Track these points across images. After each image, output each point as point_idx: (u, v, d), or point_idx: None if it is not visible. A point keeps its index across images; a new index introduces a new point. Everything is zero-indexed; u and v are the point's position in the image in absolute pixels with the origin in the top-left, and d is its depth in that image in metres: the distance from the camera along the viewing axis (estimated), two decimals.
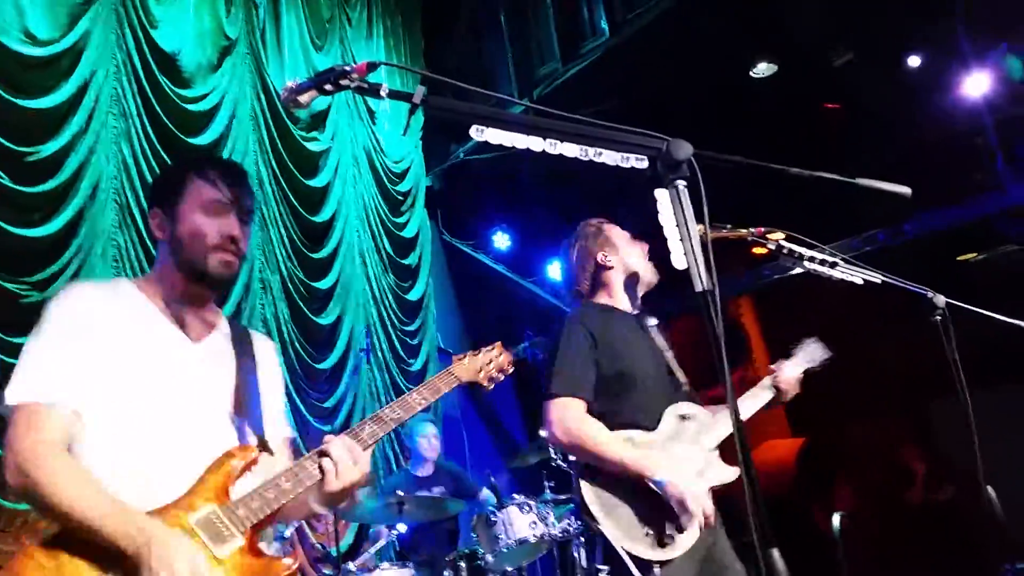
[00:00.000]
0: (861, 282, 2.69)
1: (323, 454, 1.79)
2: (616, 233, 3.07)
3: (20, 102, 4.84)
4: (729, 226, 2.60)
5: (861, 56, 6.30)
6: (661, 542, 2.56)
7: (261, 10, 6.63)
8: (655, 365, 2.89)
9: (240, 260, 1.94)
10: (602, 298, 3.02)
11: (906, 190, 1.60)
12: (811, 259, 2.70)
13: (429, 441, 5.59)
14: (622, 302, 3.01)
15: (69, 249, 4.96)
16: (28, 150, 4.87)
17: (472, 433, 7.55)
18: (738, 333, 8.03)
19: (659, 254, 2.94)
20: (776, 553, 1.30)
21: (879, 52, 6.24)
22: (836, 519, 6.05)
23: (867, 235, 6.40)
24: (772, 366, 3.10)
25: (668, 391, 2.86)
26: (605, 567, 2.56)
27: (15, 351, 4.26)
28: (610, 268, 3.02)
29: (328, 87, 1.44)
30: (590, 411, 2.73)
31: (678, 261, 1.39)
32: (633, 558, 2.52)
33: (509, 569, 4.55)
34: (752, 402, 3.00)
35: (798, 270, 2.78)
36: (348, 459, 1.78)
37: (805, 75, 6.61)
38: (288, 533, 4.58)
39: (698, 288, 1.37)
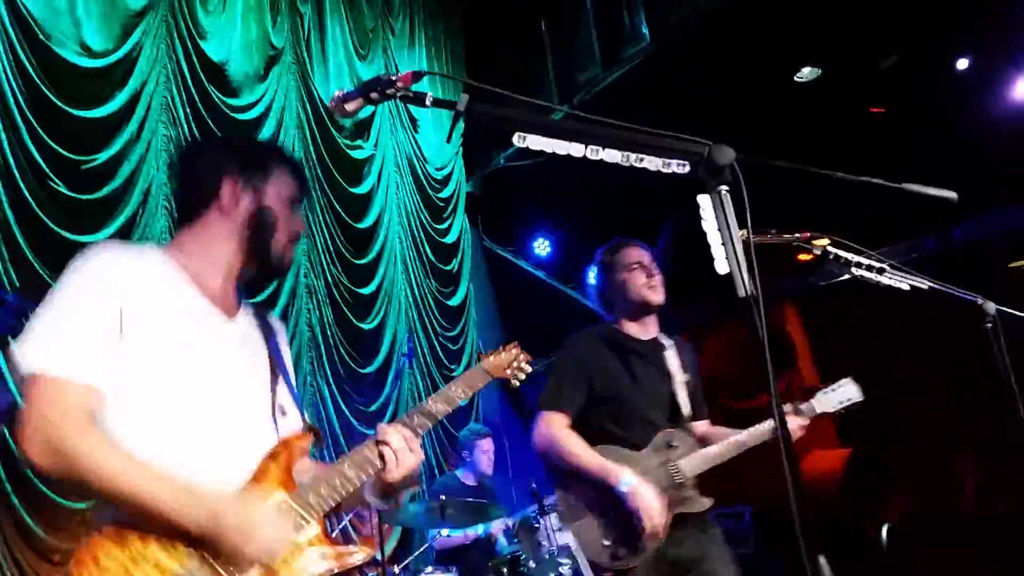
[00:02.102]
0: (908, 288, 2.65)
1: (382, 443, 1.79)
2: (621, 259, 3.12)
3: (75, 112, 4.99)
4: (774, 231, 2.58)
5: (908, 59, 6.19)
6: (616, 556, 2.75)
7: (307, 20, 6.75)
8: (654, 392, 3.01)
9: None
10: (612, 323, 3.15)
11: (952, 195, 1.57)
12: (858, 265, 2.66)
13: (489, 456, 5.62)
14: (629, 328, 3.11)
15: None
16: (83, 158, 5.01)
17: (513, 438, 7.56)
18: (783, 341, 7.91)
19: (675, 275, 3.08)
20: (823, 560, 1.28)
21: (927, 55, 6.12)
22: (885, 530, 5.93)
23: (914, 242, 6.27)
24: (800, 405, 3.09)
25: (663, 418, 2.99)
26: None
27: None
28: (611, 295, 3.14)
29: (374, 96, 1.46)
30: (579, 425, 2.92)
31: (720, 266, 1.39)
32: (592, 564, 2.76)
33: None
34: (750, 437, 2.97)
35: (845, 277, 2.74)
36: (405, 447, 1.79)
37: (851, 79, 6.51)
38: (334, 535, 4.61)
39: (741, 294, 1.36)
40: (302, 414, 1.94)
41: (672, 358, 3.08)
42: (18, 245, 4.65)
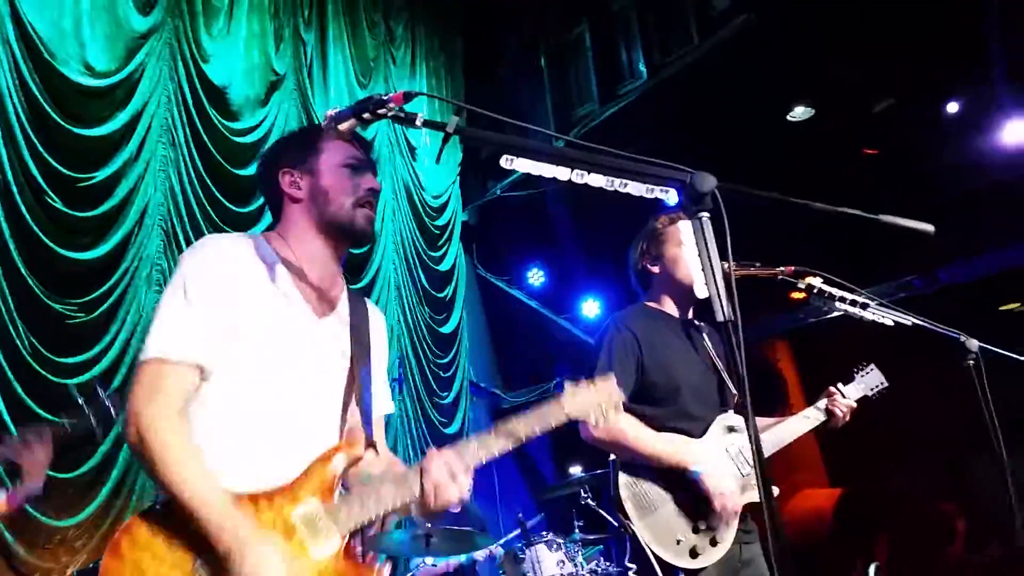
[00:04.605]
0: (891, 323, 2.68)
1: (425, 471, 1.78)
2: (674, 234, 2.92)
3: (76, 130, 5.03)
4: (758, 264, 2.62)
5: (901, 102, 6.28)
6: (693, 552, 2.55)
7: (309, 48, 6.83)
8: (702, 374, 2.84)
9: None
10: (650, 301, 2.98)
11: (928, 228, 1.60)
12: (842, 299, 2.70)
13: None
14: (668, 306, 2.95)
15: (116, 272, 5.10)
16: (81, 176, 5.04)
17: (501, 467, 7.53)
18: (774, 377, 7.92)
19: None
20: None
21: (919, 98, 6.22)
22: (872, 570, 5.90)
23: (902, 281, 6.32)
24: (830, 388, 3.02)
25: (716, 402, 2.82)
26: (633, 566, 2.56)
27: (62, 371, 4.40)
28: (655, 272, 2.96)
29: (366, 116, 1.49)
30: (631, 414, 2.70)
31: (700, 291, 1.42)
32: (660, 562, 2.52)
33: None
34: (802, 423, 2.94)
35: (834, 313, 2.77)
36: (447, 482, 1.77)
37: (843, 119, 6.60)
38: None
39: (719, 318, 1.40)
40: (367, 419, 1.96)
41: (711, 341, 2.92)
42: (12, 259, 4.67)
